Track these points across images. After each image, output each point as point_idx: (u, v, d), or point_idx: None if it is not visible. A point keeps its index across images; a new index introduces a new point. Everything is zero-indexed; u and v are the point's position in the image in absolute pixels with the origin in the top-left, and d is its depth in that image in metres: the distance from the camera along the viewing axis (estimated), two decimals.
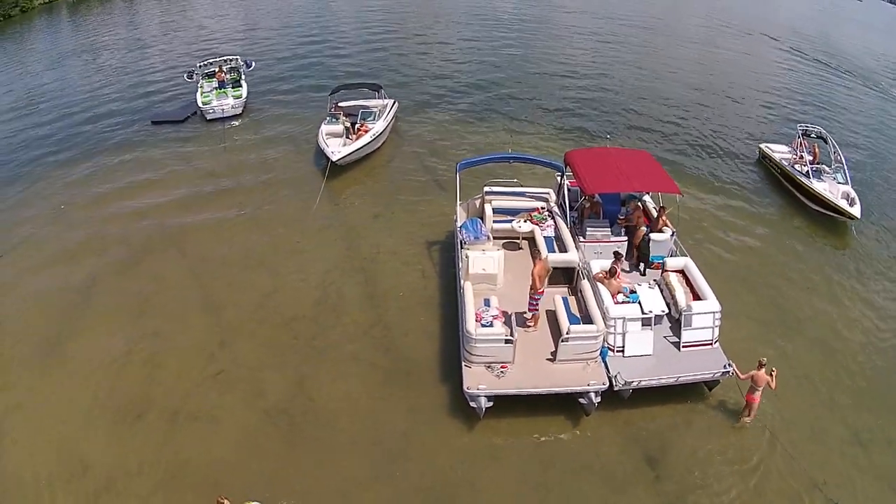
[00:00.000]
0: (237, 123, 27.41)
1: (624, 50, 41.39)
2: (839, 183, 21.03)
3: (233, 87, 28.54)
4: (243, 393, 13.75)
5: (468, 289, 14.14)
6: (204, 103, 27.33)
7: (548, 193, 18.22)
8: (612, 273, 14.38)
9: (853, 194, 20.67)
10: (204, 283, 17.32)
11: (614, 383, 12.92)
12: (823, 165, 21.94)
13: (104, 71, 35.20)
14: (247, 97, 28.30)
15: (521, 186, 18.65)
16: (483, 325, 13.33)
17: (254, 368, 14.38)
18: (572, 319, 13.77)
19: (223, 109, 27.21)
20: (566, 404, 13.03)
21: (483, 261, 15.30)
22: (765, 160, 24.43)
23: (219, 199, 21.30)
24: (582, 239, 16.44)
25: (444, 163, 23.37)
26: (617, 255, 15.05)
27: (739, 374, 13.00)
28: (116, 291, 16.89)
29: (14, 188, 22.49)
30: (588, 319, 13.62)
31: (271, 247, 18.71)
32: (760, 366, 12.71)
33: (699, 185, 22.98)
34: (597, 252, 16.07)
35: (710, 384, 13.65)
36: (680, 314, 13.90)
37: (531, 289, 13.78)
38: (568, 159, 17.89)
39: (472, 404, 12.73)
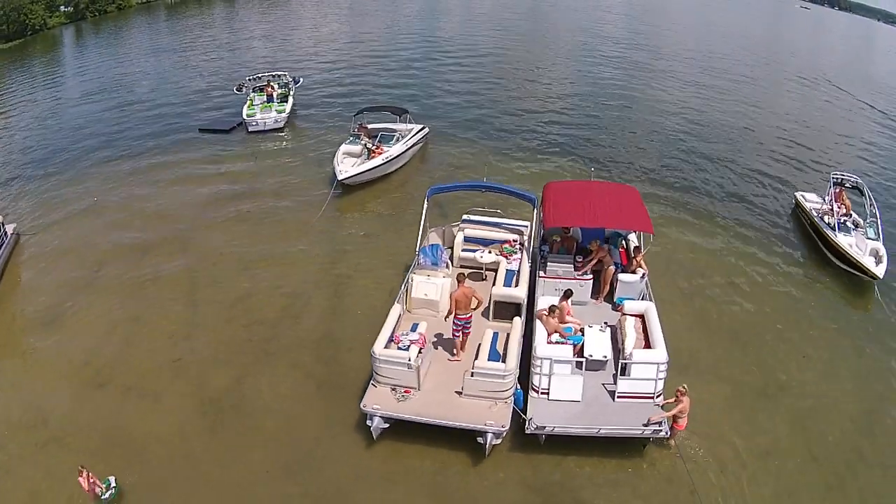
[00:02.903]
0: (282, 135, 31.56)
1: (679, 85, 43.91)
2: (869, 238, 20.87)
3: (279, 102, 32.59)
4: (189, 381, 16.66)
5: (393, 311, 15.80)
6: (248, 116, 31.69)
7: (525, 226, 19.17)
8: (551, 311, 14.78)
9: (883, 252, 20.35)
10: (193, 280, 20.81)
11: (526, 426, 13.32)
12: (857, 218, 21.90)
13: (175, 73, 41.67)
14: (290, 112, 32.38)
15: (503, 217, 19.84)
16: (399, 348, 14.64)
17: (206, 361, 17.30)
18: (493, 355, 14.59)
19: (265, 122, 31.38)
20: (472, 441, 13.60)
21: (426, 286, 16.82)
22: (798, 209, 24.61)
23: (231, 205, 25.13)
24: (542, 274, 17.15)
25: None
26: (567, 293, 15.79)
27: (667, 415, 13.26)
28: (118, 278, 20.87)
29: (61, 175, 28.01)
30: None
31: (261, 254, 21.95)
32: (683, 394, 13.20)
33: (717, 227, 23.82)
34: (557, 289, 16.48)
35: (644, 441, 13.51)
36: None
37: (448, 312, 15.18)
38: (544, 191, 18.99)
39: (368, 423, 13.84)
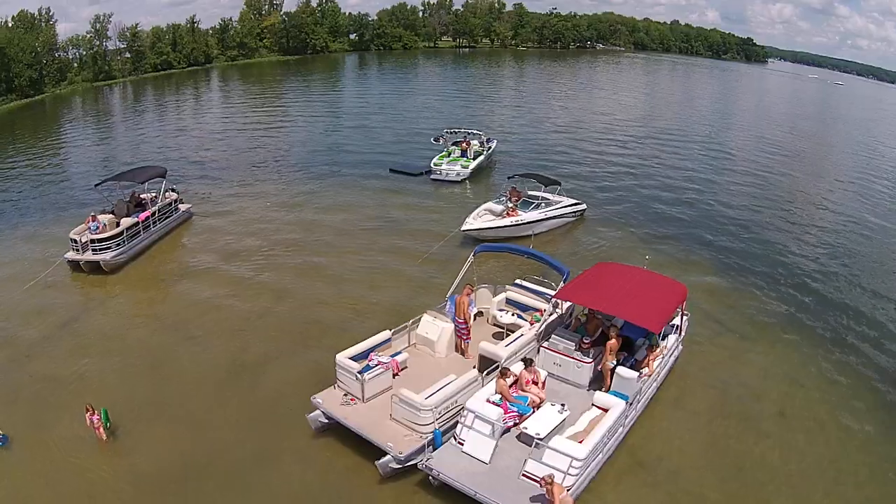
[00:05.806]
0: (460, 189, 36.80)
1: None
2: None
3: (468, 158, 37.81)
4: (236, 345, 21.67)
5: (380, 334, 18.58)
6: (435, 164, 37.47)
7: None
8: (502, 373, 16.42)
9: None
10: (296, 281, 26.42)
11: (419, 463, 14.95)
12: None
13: (410, 114, 51.85)
14: (476, 168, 37.29)
15: (549, 288, 21.47)
16: (368, 365, 17.25)
17: (258, 337, 22.17)
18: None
19: (447, 174, 36.82)
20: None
21: (430, 326, 19.30)
22: None
23: (368, 236, 30.84)
24: (544, 345, 18.44)
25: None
26: (526, 360, 17.19)
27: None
28: (237, 270, 27.57)
29: (260, 179, 37.76)
30: None
31: (358, 275, 26.89)
32: (547, 483, 13.35)
33: (818, 353, 22.59)
34: (556, 363, 18.10)
35: None
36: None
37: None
38: (590, 268, 20.44)
39: (311, 414, 16.67)
